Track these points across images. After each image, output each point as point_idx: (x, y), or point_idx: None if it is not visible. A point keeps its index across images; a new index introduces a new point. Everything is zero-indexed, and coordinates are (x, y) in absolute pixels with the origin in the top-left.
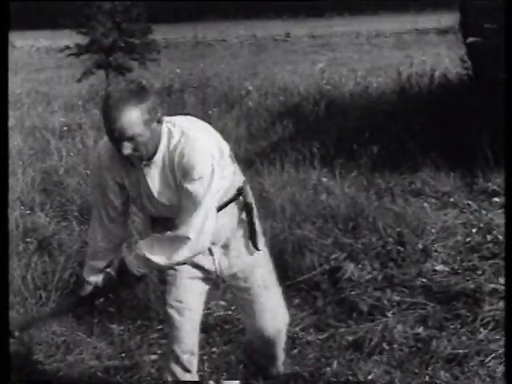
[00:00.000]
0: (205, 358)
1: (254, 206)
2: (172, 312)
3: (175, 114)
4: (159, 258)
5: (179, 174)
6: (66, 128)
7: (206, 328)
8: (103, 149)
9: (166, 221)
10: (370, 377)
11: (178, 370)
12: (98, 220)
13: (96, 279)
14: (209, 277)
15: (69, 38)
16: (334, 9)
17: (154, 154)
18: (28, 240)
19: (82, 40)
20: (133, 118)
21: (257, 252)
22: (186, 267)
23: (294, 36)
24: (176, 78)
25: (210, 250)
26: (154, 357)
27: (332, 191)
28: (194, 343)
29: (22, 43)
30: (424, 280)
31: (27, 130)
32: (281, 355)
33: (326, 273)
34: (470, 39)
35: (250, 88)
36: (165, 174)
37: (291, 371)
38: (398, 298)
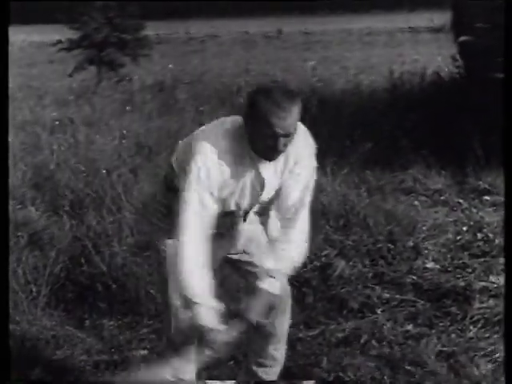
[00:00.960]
0: None
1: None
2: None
3: (165, 113)
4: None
5: (292, 160)
6: (57, 123)
7: None
8: (216, 140)
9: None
10: (359, 373)
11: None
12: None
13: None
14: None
15: (61, 33)
16: (326, 6)
17: None
18: (19, 234)
19: (74, 35)
20: (296, 116)
21: None
22: None
23: (286, 33)
24: (168, 73)
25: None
26: (143, 352)
27: (323, 188)
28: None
29: (13, 38)
30: (414, 277)
31: (18, 124)
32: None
33: (316, 269)
34: (462, 38)
35: (242, 84)
36: (277, 167)
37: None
38: (388, 296)
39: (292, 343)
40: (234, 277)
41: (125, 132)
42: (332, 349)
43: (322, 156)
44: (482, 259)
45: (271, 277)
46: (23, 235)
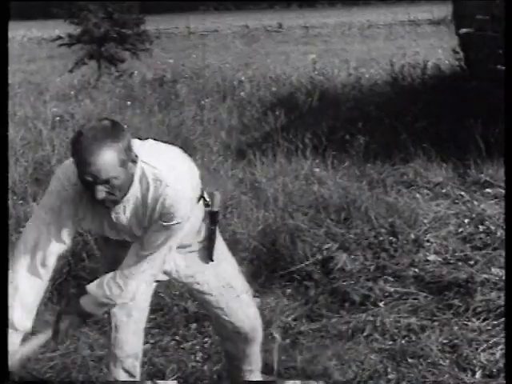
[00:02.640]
0: (197, 348)
1: (219, 215)
2: (118, 313)
3: (166, 107)
4: (115, 295)
5: (156, 215)
6: (58, 118)
7: (197, 318)
8: (68, 177)
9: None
10: (362, 366)
11: (121, 374)
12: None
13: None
14: (161, 278)
15: (61, 28)
16: (326, 0)
17: (126, 194)
18: (21, 230)
19: (74, 30)
20: (108, 159)
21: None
22: None
23: (286, 27)
24: (168, 68)
25: None
26: (146, 346)
27: (324, 181)
28: (140, 346)
29: (13, 34)
30: (416, 270)
31: (19, 120)
32: (258, 359)
33: (318, 263)
34: (463, 30)
35: (243, 78)
36: (136, 211)
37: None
38: (390, 288)
39: (295, 336)
40: None
41: (125, 127)
42: (334, 342)
43: (322, 149)
44: (484, 251)
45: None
46: None
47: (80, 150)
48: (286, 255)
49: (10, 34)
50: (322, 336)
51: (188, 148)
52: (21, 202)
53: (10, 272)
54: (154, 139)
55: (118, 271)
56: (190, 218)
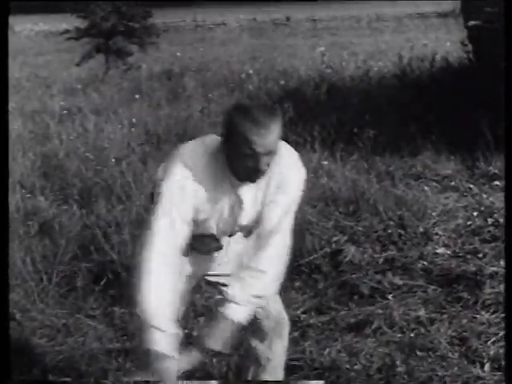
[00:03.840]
0: None
1: None
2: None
3: (173, 101)
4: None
5: (272, 188)
6: (65, 112)
7: (206, 312)
8: (194, 162)
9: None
10: (371, 359)
11: None
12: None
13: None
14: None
15: (68, 22)
16: None
17: None
18: (29, 223)
19: (82, 24)
20: (277, 132)
21: None
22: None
23: (294, 20)
24: (176, 61)
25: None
26: None
27: (333, 174)
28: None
29: (20, 27)
30: (425, 263)
31: (27, 113)
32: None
33: (327, 256)
34: (471, 23)
35: (250, 72)
36: (259, 191)
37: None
38: (399, 281)
39: (303, 329)
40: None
41: (133, 120)
42: (343, 335)
43: (331, 142)
44: (493, 244)
45: (235, 303)
46: (33, 224)
47: (253, 119)
48: (294, 248)
49: (17, 28)
50: (331, 329)
51: None
52: (29, 195)
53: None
54: None
55: (246, 270)
56: (300, 194)
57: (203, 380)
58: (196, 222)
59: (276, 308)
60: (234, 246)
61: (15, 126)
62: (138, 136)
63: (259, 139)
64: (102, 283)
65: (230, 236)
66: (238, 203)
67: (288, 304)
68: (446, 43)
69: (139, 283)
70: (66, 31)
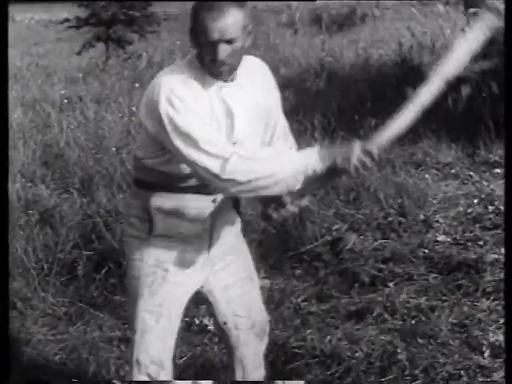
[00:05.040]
0: (208, 329)
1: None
2: (147, 317)
3: None
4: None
5: (260, 87)
6: (66, 101)
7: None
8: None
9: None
10: (372, 347)
11: (143, 379)
12: None
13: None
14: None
15: (68, 11)
16: None
17: (236, 68)
18: (30, 212)
19: (82, 12)
20: (235, 18)
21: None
22: (172, 268)
23: (294, 8)
24: (176, 50)
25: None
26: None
27: None
28: (166, 355)
29: (21, 16)
30: (426, 251)
31: (28, 102)
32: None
33: (327, 244)
34: (472, 10)
35: None
36: (247, 93)
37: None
38: (399, 269)
39: (305, 317)
40: None
41: (134, 109)
42: (344, 322)
43: (331, 130)
44: (494, 231)
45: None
46: (34, 213)
47: (208, 6)
48: (295, 236)
49: (18, 17)
50: (332, 316)
51: None
52: (30, 184)
53: None
54: None
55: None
56: None
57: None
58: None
59: (259, 316)
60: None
61: (16, 115)
62: (139, 125)
63: (214, 24)
64: (103, 272)
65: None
66: (226, 108)
67: (289, 292)
68: (447, 31)
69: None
70: (67, 20)
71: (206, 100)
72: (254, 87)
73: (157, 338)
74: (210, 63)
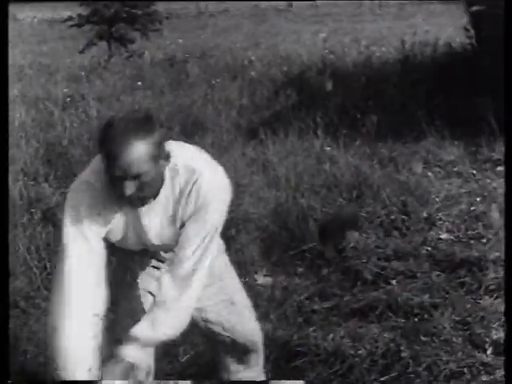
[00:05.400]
0: None
1: None
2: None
3: (176, 88)
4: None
5: (189, 210)
6: (69, 99)
7: None
8: (83, 186)
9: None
10: (375, 344)
11: None
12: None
13: None
14: None
15: (71, 9)
16: None
17: (157, 193)
18: (32, 211)
19: (84, 11)
20: (140, 153)
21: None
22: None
23: (296, 6)
24: (178, 48)
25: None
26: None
27: (336, 160)
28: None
29: (23, 15)
30: (428, 248)
31: (30, 101)
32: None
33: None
34: (474, 8)
35: (253, 58)
36: (167, 211)
37: None
38: (402, 267)
39: (307, 315)
40: None
41: (136, 107)
42: (347, 320)
43: (334, 128)
44: (496, 229)
45: (137, 344)
46: (36, 211)
47: (110, 141)
48: (297, 234)
49: (20, 16)
50: (335, 314)
51: (199, 128)
52: (32, 182)
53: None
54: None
55: (157, 307)
56: (224, 216)
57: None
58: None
59: (251, 328)
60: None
61: (18, 113)
62: None
63: (115, 161)
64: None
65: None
66: (138, 224)
67: (291, 290)
68: (449, 29)
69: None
70: (69, 18)
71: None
72: (182, 204)
73: None
74: (120, 196)
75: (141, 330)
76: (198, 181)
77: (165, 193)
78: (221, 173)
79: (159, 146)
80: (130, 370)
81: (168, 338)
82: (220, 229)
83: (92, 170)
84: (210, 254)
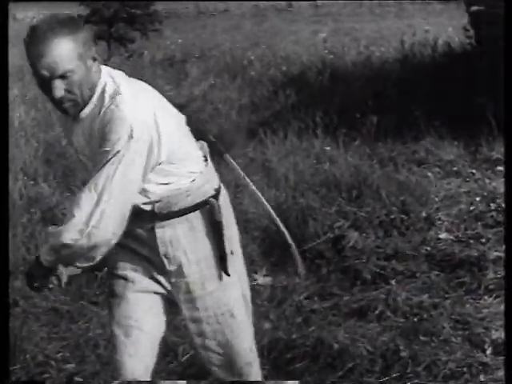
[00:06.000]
0: None
1: (223, 225)
2: (117, 331)
3: (176, 87)
4: (52, 238)
5: (99, 135)
6: None
7: None
8: None
9: None
10: (374, 344)
11: None
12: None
13: None
14: (167, 295)
15: (70, 9)
16: None
17: (86, 103)
18: (32, 210)
19: (84, 10)
20: (65, 49)
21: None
22: (138, 277)
23: (296, 6)
24: (178, 48)
25: (163, 266)
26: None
27: (335, 160)
28: (143, 371)
29: (22, 15)
30: (428, 248)
31: (29, 101)
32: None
33: (329, 241)
34: (473, 8)
35: (253, 58)
36: (91, 131)
37: None
38: (401, 267)
39: (307, 315)
40: None
41: None
42: (346, 320)
43: (333, 128)
44: (496, 229)
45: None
46: (36, 211)
47: (34, 40)
48: (297, 234)
49: (19, 16)
50: (334, 314)
51: (199, 127)
52: (32, 182)
53: None
54: None
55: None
56: (132, 161)
57: None
58: None
59: (247, 346)
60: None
61: (18, 113)
62: None
63: (40, 60)
64: (105, 269)
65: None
66: (70, 139)
67: (291, 290)
68: (448, 28)
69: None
70: None
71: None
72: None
73: (126, 355)
74: (53, 101)
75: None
76: (112, 104)
77: (93, 106)
78: (145, 100)
79: (85, 44)
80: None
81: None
82: (128, 172)
83: None
84: (118, 194)
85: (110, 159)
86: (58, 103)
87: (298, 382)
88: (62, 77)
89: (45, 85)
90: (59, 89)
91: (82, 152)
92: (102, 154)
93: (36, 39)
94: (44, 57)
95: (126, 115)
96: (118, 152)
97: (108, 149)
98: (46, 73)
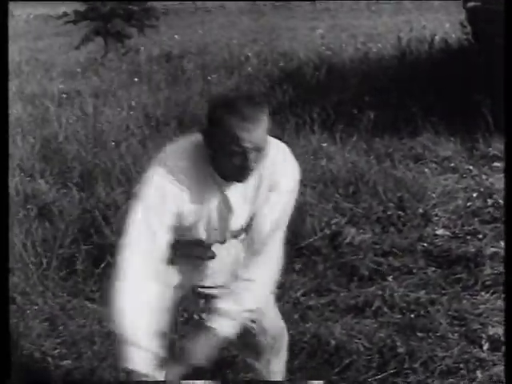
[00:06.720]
0: None
1: None
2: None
3: (173, 83)
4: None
5: (266, 186)
6: (65, 95)
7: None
8: (175, 164)
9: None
10: (371, 340)
11: None
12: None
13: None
14: None
15: (67, 5)
16: None
17: None
18: (28, 207)
19: (80, 7)
20: (265, 124)
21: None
22: None
23: (293, 2)
24: (175, 44)
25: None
26: None
27: (332, 156)
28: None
29: (19, 12)
30: (425, 244)
31: (27, 97)
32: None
33: (326, 237)
34: (470, 4)
35: (250, 54)
36: (247, 190)
37: None
38: (398, 263)
39: (303, 311)
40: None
41: (133, 103)
42: (343, 316)
43: (330, 124)
44: (493, 225)
45: (226, 318)
46: (32, 208)
47: (238, 112)
48: (294, 230)
49: (16, 12)
50: (331, 310)
51: (196, 124)
52: (28, 178)
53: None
54: None
55: (238, 282)
56: (295, 194)
57: None
58: (181, 228)
59: (273, 324)
60: (225, 255)
61: (15, 109)
62: (137, 119)
63: (246, 134)
64: (102, 266)
65: (221, 243)
66: (226, 204)
67: (288, 286)
68: (445, 25)
69: (116, 296)
70: (65, 15)
71: (200, 197)
72: (259, 187)
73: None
74: (234, 169)
75: (224, 304)
76: (271, 161)
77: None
78: (289, 153)
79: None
80: (214, 337)
81: (250, 312)
82: (291, 208)
83: (177, 155)
84: (282, 230)
85: (282, 205)
86: (245, 174)
87: (322, 382)
88: (257, 150)
89: (234, 155)
90: (253, 161)
91: (236, 210)
92: (273, 203)
93: (240, 114)
94: (251, 132)
95: (292, 163)
96: (288, 194)
97: (275, 199)
98: (248, 145)
